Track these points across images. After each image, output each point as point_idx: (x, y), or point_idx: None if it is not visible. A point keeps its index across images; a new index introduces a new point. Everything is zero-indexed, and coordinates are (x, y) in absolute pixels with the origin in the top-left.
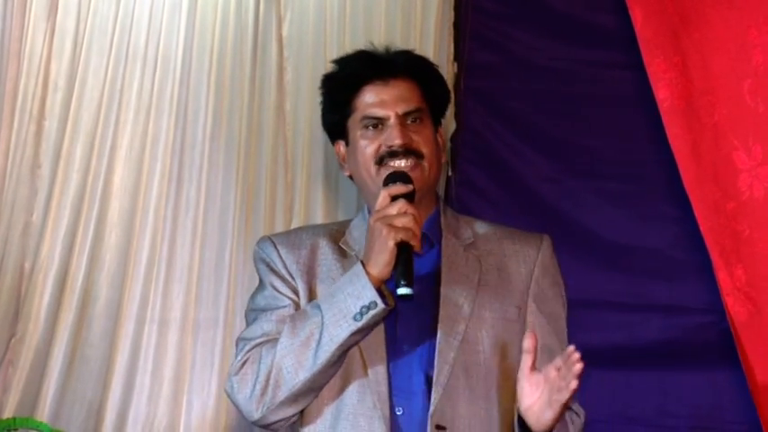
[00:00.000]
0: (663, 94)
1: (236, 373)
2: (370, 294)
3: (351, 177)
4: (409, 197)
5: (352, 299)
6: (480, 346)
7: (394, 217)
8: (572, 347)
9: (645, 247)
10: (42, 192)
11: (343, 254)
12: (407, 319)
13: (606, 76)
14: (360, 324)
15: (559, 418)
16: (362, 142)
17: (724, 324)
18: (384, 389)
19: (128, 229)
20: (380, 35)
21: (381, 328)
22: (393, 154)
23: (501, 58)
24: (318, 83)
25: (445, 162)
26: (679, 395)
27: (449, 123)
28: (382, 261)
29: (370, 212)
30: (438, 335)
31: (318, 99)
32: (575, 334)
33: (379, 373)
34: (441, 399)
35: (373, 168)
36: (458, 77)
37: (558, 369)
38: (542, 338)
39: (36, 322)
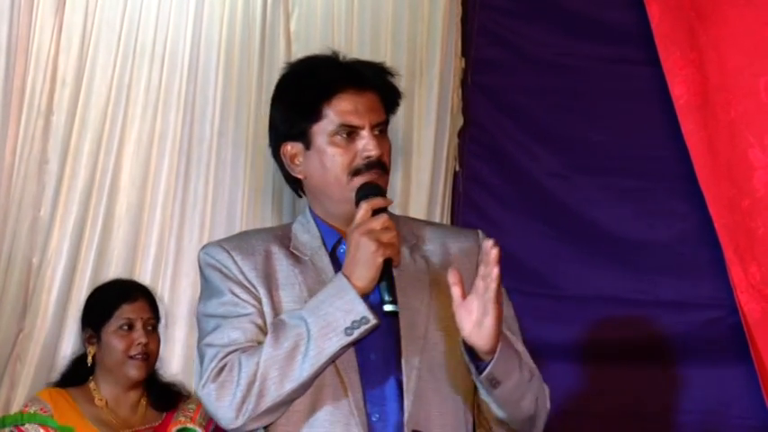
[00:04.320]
0: (679, 90)
1: (214, 381)
2: (361, 309)
3: (295, 180)
4: (386, 210)
5: (341, 312)
6: (440, 345)
7: (380, 232)
8: (490, 242)
9: (653, 242)
10: (50, 187)
11: (297, 259)
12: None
13: (614, 71)
14: (351, 338)
15: (499, 326)
16: (332, 149)
17: (732, 319)
18: (359, 395)
19: (135, 224)
20: (388, 30)
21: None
22: (370, 165)
23: (508, 53)
24: None
25: (453, 158)
26: (687, 391)
27: (456, 118)
28: (368, 276)
29: (314, 216)
30: (402, 341)
31: None
32: (584, 329)
33: (352, 380)
34: (413, 404)
35: (345, 178)
36: (465, 73)
37: (483, 278)
38: None
39: (44, 317)
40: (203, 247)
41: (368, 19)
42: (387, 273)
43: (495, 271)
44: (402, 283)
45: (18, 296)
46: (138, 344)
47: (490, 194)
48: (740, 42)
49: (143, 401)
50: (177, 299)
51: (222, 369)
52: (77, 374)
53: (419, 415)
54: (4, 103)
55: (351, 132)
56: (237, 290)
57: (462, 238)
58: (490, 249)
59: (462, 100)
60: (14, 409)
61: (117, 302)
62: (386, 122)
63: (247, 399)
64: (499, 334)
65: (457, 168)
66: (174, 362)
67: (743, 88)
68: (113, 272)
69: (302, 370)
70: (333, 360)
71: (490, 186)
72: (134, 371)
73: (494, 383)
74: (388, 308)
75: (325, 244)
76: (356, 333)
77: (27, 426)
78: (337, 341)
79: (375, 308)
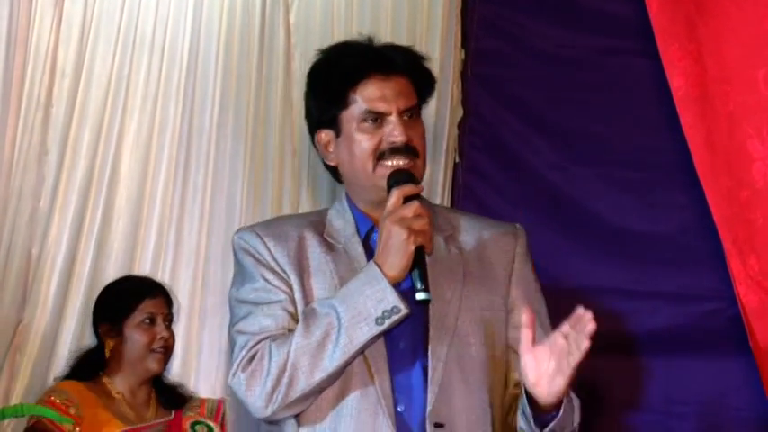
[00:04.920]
0: (677, 82)
1: (244, 370)
2: (392, 299)
3: (332, 168)
4: (418, 197)
5: (372, 302)
6: (471, 338)
7: (412, 219)
8: (581, 308)
9: (653, 234)
10: (50, 178)
11: (330, 247)
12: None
13: (614, 63)
14: (382, 328)
15: (569, 386)
16: (360, 136)
17: (732, 311)
18: (387, 384)
19: (135, 215)
20: (388, 21)
21: None
22: (395, 151)
23: (508, 44)
24: None
25: (453, 149)
26: (687, 382)
27: (456, 110)
28: (401, 264)
29: (350, 203)
30: (430, 332)
31: None
32: None
33: (380, 368)
34: (437, 396)
35: (370, 164)
36: (465, 64)
37: (566, 336)
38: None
39: (43, 308)
40: (237, 232)
41: (367, 10)
42: (419, 260)
43: (586, 344)
44: (435, 272)
45: (17, 287)
46: (161, 337)
47: (490, 186)
48: (739, 34)
49: (153, 397)
50: (176, 290)
51: (253, 357)
52: (89, 368)
53: (441, 406)
54: (4, 95)
55: (378, 118)
56: (270, 276)
57: (500, 231)
58: (587, 322)
59: (462, 91)
60: (15, 400)
61: (140, 297)
62: (417, 107)
63: (277, 388)
64: (568, 390)
65: (456, 160)
66: (175, 353)
67: (742, 80)
68: (113, 262)
69: (332, 359)
70: (363, 350)
71: (490, 178)
72: (155, 364)
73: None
74: (420, 296)
75: (358, 231)
76: (387, 322)
77: (27, 417)
78: (368, 330)
79: (407, 296)
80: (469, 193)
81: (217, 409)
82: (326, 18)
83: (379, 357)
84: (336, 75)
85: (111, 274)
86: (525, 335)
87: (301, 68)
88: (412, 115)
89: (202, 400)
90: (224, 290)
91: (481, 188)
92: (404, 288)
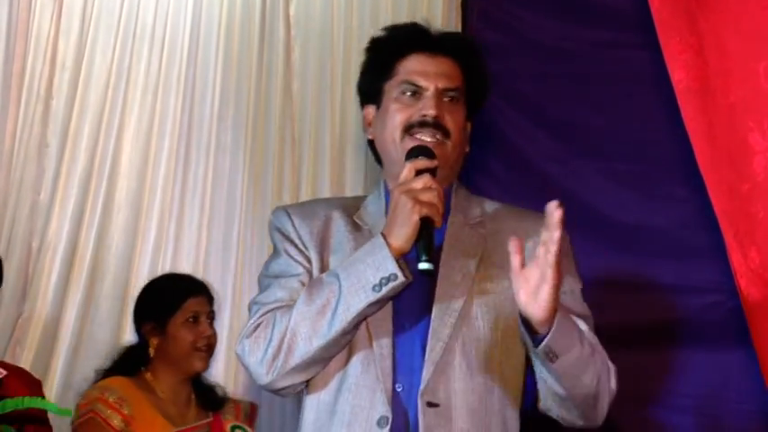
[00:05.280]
0: (678, 75)
1: (249, 336)
2: (391, 266)
3: (371, 142)
4: (433, 172)
5: (371, 269)
6: (479, 321)
7: (419, 191)
8: (552, 203)
9: (653, 227)
10: (50, 171)
11: (356, 227)
12: (410, 296)
13: (614, 56)
14: (378, 295)
15: (556, 295)
16: (395, 106)
17: (732, 304)
18: (388, 363)
19: (135, 208)
20: (387, 14)
21: (390, 301)
22: (423, 124)
23: (509, 38)
24: (326, 62)
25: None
26: (686, 375)
27: None
28: (404, 234)
29: (386, 183)
30: (432, 313)
31: (325, 78)
32: None
33: (383, 346)
34: (432, 376)
35: (399, 135)
36: None
37: (544, 243)
38: None
39: (44, 301)
40: (272, 211)
41: (367, 4)
42: (425, 232)
43: (557, 234)
44: (450, 254)
45: (18, 280)
46: (205, 336)
47: (490, 179)
48: (740, 27)
49: (192, 398)
50: None
51: (258, 326)
52: (133, 363)
53: (438, 387)
54: (4, 87)
55: (415, 92)
56: (292, 250)
57: (532, 220)
58: (553, 211)
59: None
60: None
61: (184, 295)
62: (460, 90)
63: (278, 355)
64: (556, 304)
65: None
66: None
67: (742, 73)
68: (113, 255)
69: (331, 326)
70: (362, 317)
71: (490, 171)
72: (199, 362)
73: (551, 357)
74: (422, 266)
75: (387, 212)
76: (384, 290)
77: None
78: (365, 297)
79: (411, 267)
80: (469, 187)
81: (251, 413)
82: (326, 10)
83: (383, 335)
84: (386, 47)
85: (112, 266)
86: (513, 261)
87: (301, 60)
88: (453, 99)
89: (236, 403)
90: (224, 282)
91: (481, 181)
92: (411, 260)
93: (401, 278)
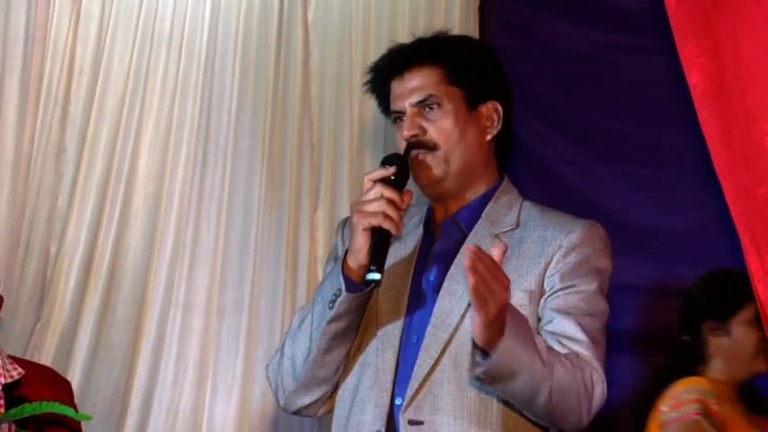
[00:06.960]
0: (695, 78)
1: (270, 362)
2: (337, 281)
3: None
4: (399, 180)
5: (331, 285)
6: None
7: (365, 203)
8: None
9: (670, 231)
10: (68, 176)
11: (398, 238)
12: (420, 310)
13: (631, 60)
14: (333, 312)
15: (483, 324)
16: (396, 135)
17: None
18: (389, 377)
19: (153, 213)
20: (405, 19)
21: (402, 315)
22: (409, 146)
23: (526, 42)
24: (344, 66)
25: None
26: None
27: None
28: (354, 247)
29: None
30: (428, 328)
31: (344, 82)
32: None
33: (387, 360)
34: (418, 392)
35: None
36: None
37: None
38: (555, 304)
39: (61, 307)
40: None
41: (385, 8)
42: (376, 241)
43: (466, 263)
44: (459, 267)
45: (35, 285)
46: None
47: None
48: (757, 31)
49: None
50: (194, 288)
51: (277, 351)
52: (688, 364)
53: (424, 403)
54: (22, 93)
55: (399, 118)
56: (333, 264)
57: (559, 227)
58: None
59: None
60: None
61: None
62: (437, 95)
63: (284, 379)
64: (486, 331)
65: None
66: (193, 351)
67: (759, 77)
68: (131, 261)
69: (308, 344)
70: (332, 335)
71: (508, 174)
72: (764, 365)
73: (488, 381)
74: (369, 276)
75: (422, 223)
76: (336, 305)
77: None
78: (325, 314)
79: (415, 281)
80: None
81: None
82: (344, 15)
83: (388, 349)
84: (374, 84)
85: (129, 271)
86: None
87: (319, 65)
88: (431, 106)
89: None
90: (241, 287)
91: None
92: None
93: (344, 292)
